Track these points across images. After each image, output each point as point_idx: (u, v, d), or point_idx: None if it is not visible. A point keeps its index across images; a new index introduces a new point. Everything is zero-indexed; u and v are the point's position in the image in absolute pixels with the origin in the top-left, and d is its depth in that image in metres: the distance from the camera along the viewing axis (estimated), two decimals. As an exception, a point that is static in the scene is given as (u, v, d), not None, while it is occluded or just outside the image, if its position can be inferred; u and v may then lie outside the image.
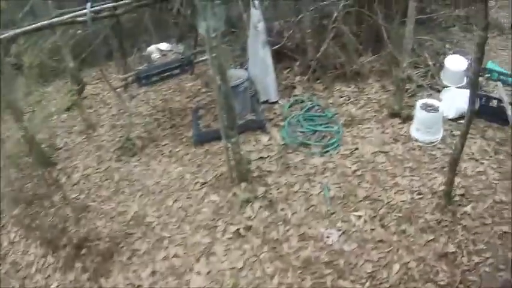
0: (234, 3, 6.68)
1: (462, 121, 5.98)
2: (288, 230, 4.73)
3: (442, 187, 4.88)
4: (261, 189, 5.13)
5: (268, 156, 5.64)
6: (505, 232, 4.43)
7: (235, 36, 7.63)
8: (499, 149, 5.67)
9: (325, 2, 6.83)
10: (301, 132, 6.01)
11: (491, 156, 5.51)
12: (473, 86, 4.18)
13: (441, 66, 7.09)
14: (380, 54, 7.13)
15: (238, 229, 4.82)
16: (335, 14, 6.57)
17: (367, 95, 6.71)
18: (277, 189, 5.14)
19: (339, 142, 5.77)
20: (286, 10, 7.39)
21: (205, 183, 5.47)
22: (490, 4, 10.34)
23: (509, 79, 6.64)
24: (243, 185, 5.11)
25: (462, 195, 4.88)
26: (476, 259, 4.19)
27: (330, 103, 6.54)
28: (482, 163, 5.38)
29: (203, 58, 6.22)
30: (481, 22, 3.79)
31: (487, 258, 4.20)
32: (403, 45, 6.00)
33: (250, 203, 5.01)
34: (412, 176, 5.18)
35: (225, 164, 5.27)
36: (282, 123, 6.20)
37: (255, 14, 6.02)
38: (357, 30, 7.13)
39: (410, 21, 5.84)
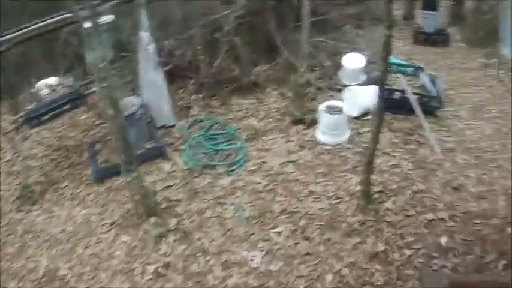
0: (122, 27, 6.52)
1: (367, 118, 6.25)
2: (209, 260, 4.51)
3: (359, 187, 4.95)
4: (172, 221, 4.89)
5: (173, 184, 5.42)
6: (430, 220, 4.57)
7: (125, 61, 7.38)
8: (408, 139, 5.93)
9: (215, 16, 6.80)
10: (204, 153, 5.87)
11: (401, 148, 5.73)
12: (381, 83, 4.27)
13: (338, 66, 7.33)
14: (275, 61, 7.23)
15: (156, 268, 4.53)
16: (227, 27, 6.57)
17: (266, 105, 6.75)
18: (189, 218, 4.93)
19: (245, 158, 5.68)
20: (175, 28, 7.28)
21: (113, 223, 5.14)
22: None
23: (408, 69, 7.00)
24: (153, 219, 4.84)
25: (380, 191, 4.97)
26: (408, 252, 4.25)
27: (230, 119, 6.49)
28: (394, 156, 5.57)
29: (94, 89, 6.06)
30: (386, 20, 3.90)
31: (419, 249, 4.28)
32: (300, 50, 6.11)
33: (164, 238, 4.75)
34: (326, 181, 5.21)
35: (130, 199, 5.00)
36: (183, 147, 6.02)
37: (145, 36, 5.91)
38: (250, 40, 7.16)
39: (305, 26, 5.97)
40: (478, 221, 4.56)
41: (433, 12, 9.57)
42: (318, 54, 7.41)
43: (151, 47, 5.96)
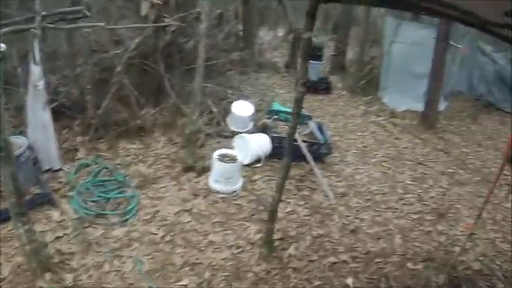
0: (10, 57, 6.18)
1: (258, 165, 6.59)
2: (113, 322, 4.32)
3: (258, 236, 5.18)
4: (68, 277, 4.50)
5: (64, 235, 5.06)
6: (334, 263, 4.91)
7: (8, 94, 6.89)
8: (300, 185, 6.42)
9: (106, 54, 6.81)
10: (93, 201, 5.66)
11: (295, 194, 6.16)
12: (291, 137, 4.56)
13: (226, 112, 7.66)
14: (163, 105, 7.39)
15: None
16: (118, 68, 6.58)
17: (154, 150, 6.82)
18: (86, 272, 4.61)
19: (137, 207, 5.62)
20: (63, 63, 7.09)
21: (3, 279, 4.60)
22: (263, 47, 11.96)
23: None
24: (48, 275, 4.49)
25: (281, 239, 5.22)
26: (317, 296, 4.52)
27: (118, 164, 6.39)
28: (289, 202, 5.94)
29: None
30: (300, 78, 4.19)
31: (327, 292, 4.58)
32: (193, 96, 6.30)
33: (62, 297, 4.43)
34: (224, 230, 5.34)
35: (20, 252, 4.60)
36: (70, 194, 5.71)
37: (35, 71, 5.59)
38: (139, 81, 7.25)
39: (199, 73, 6.20)
40: (379, 260, 5.02)
41: (317, 62, 10.50)
42: (205, 99, 7.68)
43: (41, 84, 5.65)
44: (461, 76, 11.53)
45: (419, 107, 9.75)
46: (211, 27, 7.81)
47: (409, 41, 10.25)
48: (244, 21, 12.03)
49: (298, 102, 4.25)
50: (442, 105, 10.18)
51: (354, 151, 7.86)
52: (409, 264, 5.01)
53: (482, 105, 11.16)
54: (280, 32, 14.93)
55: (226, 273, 4.67)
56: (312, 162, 6.63)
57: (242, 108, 7.62)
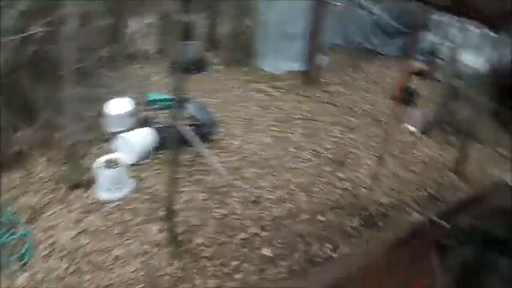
0: None
1: (145, 161, 6.41)
2: None
3: (161, 235, 5.02)
4: None
5: None
6: (244, 239, 4.91)
7: None
8: (191, 170, 6.27)
9: None
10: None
11: (189, 181, 6.02)
12: (174, 126, 4.57)
13: (102, 114, 7.29)
14: (37, 123, 6.79)
15: None
16: None
17: (37, 175, 6.27)
18: None
19: (33, 244, 5.15)
20: None
21: None
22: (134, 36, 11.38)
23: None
24: None
25: (186, 231, 5.11)
26: (239, 276, 4.50)
27: (5, 200, 5.73)
28: (184, 191, 5.75)
29: None
30: (179, 63, 4.25)
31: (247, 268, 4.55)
32: (67, 108, 5.89)
33: None
34: (126, 240, 5.10)
35: None
36: None
37: None
38: (8, 101, 6.58)
39: (69, 78, 5.77)
40: (288, 222, 5.09)
41: (190, 42, 10.34)
42: (78, 105, 7.21)
43: None
44: (336, 30, 12.02)
45: (298, 66, 9.99)
46: (76, 28, 7.37)
47: (280, 4, 10.36)
48: (113, 13, 11.52)
49: (178, 89, 4.21)
50: (322, 60, 10.44)
51: (239, 123, 7.82)
52: (320, 217, 5.13)
53: (361, 52, 11.68)
54: (148, 19, 14.46)
55: (142, 285, 4.51)
56: (198, 144, 6.47)
57: (117, 107, 7.27)
